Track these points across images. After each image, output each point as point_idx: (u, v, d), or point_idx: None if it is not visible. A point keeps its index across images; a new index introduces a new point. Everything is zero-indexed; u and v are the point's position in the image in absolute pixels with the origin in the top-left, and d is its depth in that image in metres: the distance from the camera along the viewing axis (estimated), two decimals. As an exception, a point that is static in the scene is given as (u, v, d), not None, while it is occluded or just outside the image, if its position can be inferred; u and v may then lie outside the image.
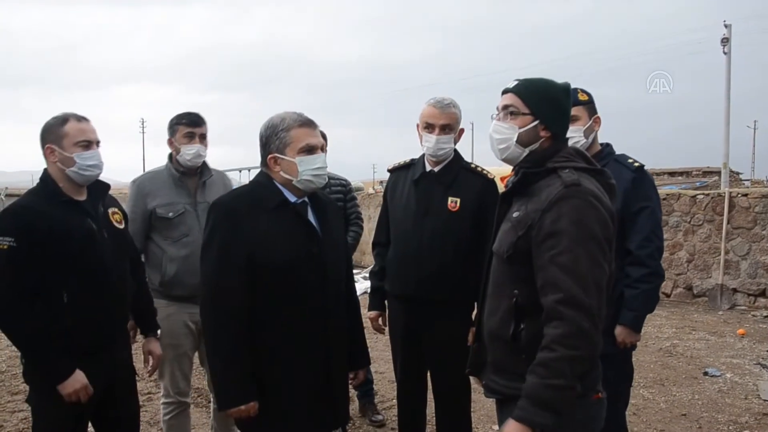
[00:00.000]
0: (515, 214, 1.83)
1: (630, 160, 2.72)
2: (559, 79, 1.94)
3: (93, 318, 2.31)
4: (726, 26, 20.77)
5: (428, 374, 3.04)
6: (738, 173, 25.75)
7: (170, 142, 3.11)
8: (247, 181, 2.81)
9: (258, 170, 2.31)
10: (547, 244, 1.71)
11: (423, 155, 2.96)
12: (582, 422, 1.77)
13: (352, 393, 4.07)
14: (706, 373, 5.38)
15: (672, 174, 23.13)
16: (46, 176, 2.36)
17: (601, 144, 2.81)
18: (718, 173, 20.31)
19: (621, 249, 2.54)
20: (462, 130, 2.94)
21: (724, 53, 20.70)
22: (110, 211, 2.50)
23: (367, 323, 2.64)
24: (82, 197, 2.39)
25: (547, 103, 1.87)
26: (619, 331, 2.61)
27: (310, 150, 2.14)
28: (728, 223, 8.58)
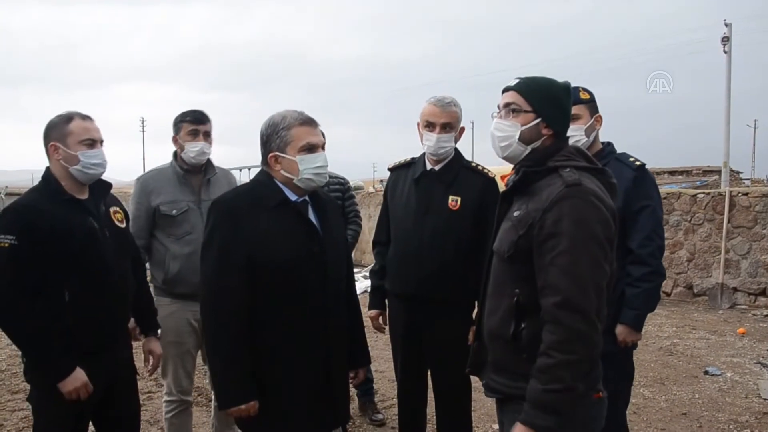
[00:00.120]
0: (516, 213, 1.83)
1: (631, 159, 2.72)
2: (560, 79, 1.95)
3: (95, 317, 2.30)
4: (726, 25, 20.78)
5: (428, 373, 3.04)
6: (738, 172, 25.75)
7: (175, 140, 3.11)
8: (247, 180, 2.82)
9: (258, 169, 2.31)
10: (548, 245, 1.71)
11: (423, 154, 2.96)
12: (582, 421, 1.77)
13: (352, 392, 4.07)
14: (706, 372, 5.38)
15: (672, 173, 23.11)
16: (48, 174, 2.36)
17: (603, 143, 2.81)
18: (719, 172, 20.31)
19: (622, 248, 2.54)
20: (463, 129, 2.93)
21: (725, 52, 20.71)
22: (112, 210, 2.50)
23: (367, 322, 2.64)
24: (84, 196, 2.39)
25: (548, 101, 1.87)
26: (620, 330, 2.60)
27: (310, 149, 2.13)
28: (729, 222, 8.58)
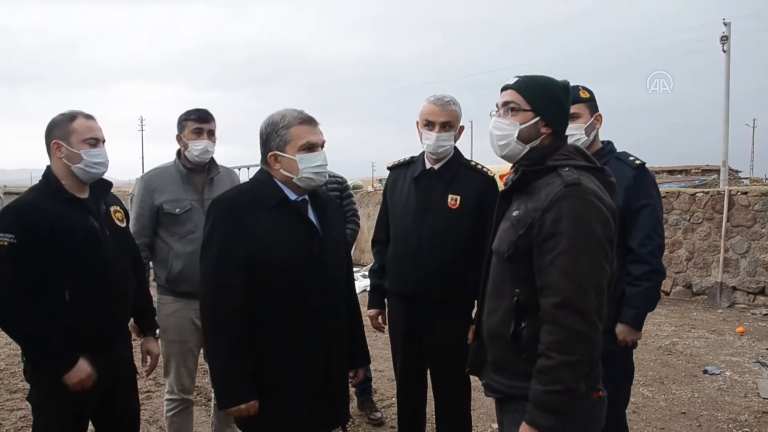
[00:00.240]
0: (515, 213, 1.82)
1: (631, 158, 2.72)
2: (560, 78, 1.94)
3: (95, 317, 2.30)
4: (725, 24, 20.79)
5: (428, 373, 3.04)
6: (737, 171, 25.78)
7: (179, 138, 3.12)
8: (246, 179, 2.82)
9: (257, 168, 2.30)
10: (548, 245, 1.71)
11: (423, 153, 2.95)
12: (583, 421, 1.77)
13: (351, 391, 4.06)
14: (705, 372, 5.38)
15: (671, 172, 23.13)
16: (48, 173, 2.36)
17: (602, 141, 2.80)
18: (717, 171, 20.34)
19: (622, 246, 2.54)
20: (462, 128, 2.93)
21: (724, 51, 20.72)
22: (112, 209, 2.49)
23: (366, 321, 2.63)
24: (85, 195, 2.38)
25: (547, 100, 1.87)
26: (620, 329, 2.60)
27: (310, 147, 2.13)
28: (728, 221, 8.58)
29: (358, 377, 2.44)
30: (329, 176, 3.93)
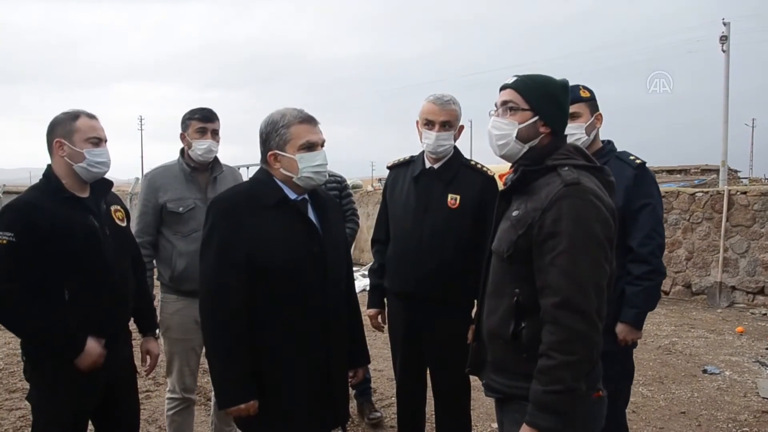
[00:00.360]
0: (515, 213, 1.82)
1: (632, 157, 2.72)
2: (559, 77, 1.94)
3: (94, 316, 2.30)
4: (725, 24, 20.80)
5: (428, 372, 3.03)
6: (736, 171, 25.79)
7: (183, 137, 3.14)
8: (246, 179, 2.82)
9: (257, 167, 2.30)
10: (548, 245, 1.71)
11: (422, 152, 2.95)
12: (583, 421, 1.76)
13: (351, 392, 4.05)
14: (705, 371, 5.38)
15: (670, 172, 23.14)
16: (48, 172, 2.36)
17: (603, 141, 2.80)
18: (717, 171, 20.35)
19: (622, 246, 2.54)
20: (462, 127, 2.93)
21: (723, 51, 20.73)
22: (113, 208, 2.49)
23: (365, 321, 2.63)
24: (85, 194, 2.38)
25: (546, 99, 1.86)
26: (621, 328, 2.60)
27: (310, 147, 2.12)
28: (727, 220, 8.58)
29: (357, 377, 2.44)
30: (328, 175, 3.93)
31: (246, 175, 3.72)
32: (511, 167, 1.96)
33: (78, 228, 2.28)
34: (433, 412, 3.04)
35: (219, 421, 3.26)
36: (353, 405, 4.19)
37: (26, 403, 2.40)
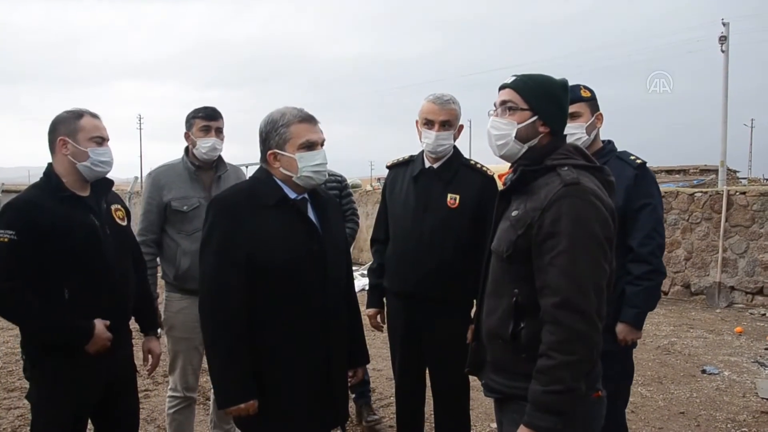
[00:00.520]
0: (514, 213, 1.82)
1: (632, 157, 2.72)
2: (559, 77, 1.93)
3: (94, 315, 2.29)
4: (724, 24, 20.81)
5: (427, 372, 3.03)
6: (735, 171, 25.82)
7: (187, 136, 3.15)
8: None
9: (256, 167, 2.30)
10: (547, 245, 1.70)
11: (422, 152, 2.95)
12: (582, 421, 1.76)
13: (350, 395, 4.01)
14: (704, 371, 5.39)
15: (669, 172, 23.17)
16: (49, 171, 2.35)
17: (603, 141, 2.80)
18: (716, 171, 20.36)
19: (622, 246, 2.54)
20: (461, 127, 2.93)
21: (722, 51, 20.73)
22: (113, 207, 2.49)
23: (365, 320, 2.63)
24: (86, 193, 2.38)
25: (545, 99, 1.86)
26: (621, 328, 2.60)
27: (310, 146, 2.12)
28: (726, 221, 8.58)
29: (357, 377, 2.43)
30: (329, 175, 3.93)
31: (247, 174, 3.72)
32: (510, 167, 1.96)
33: (78, 227, 2.28)
34: (433, 412, 3.03)
35: (218, 419, 3.26)
36: (351, 407, 4.17)
37: (24, 402, 2.40)
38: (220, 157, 3.18)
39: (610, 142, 2.81)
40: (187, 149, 3.17)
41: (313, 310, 2.12)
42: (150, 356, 2.68)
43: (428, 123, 2.82)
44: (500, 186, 2.02)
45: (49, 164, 2.37)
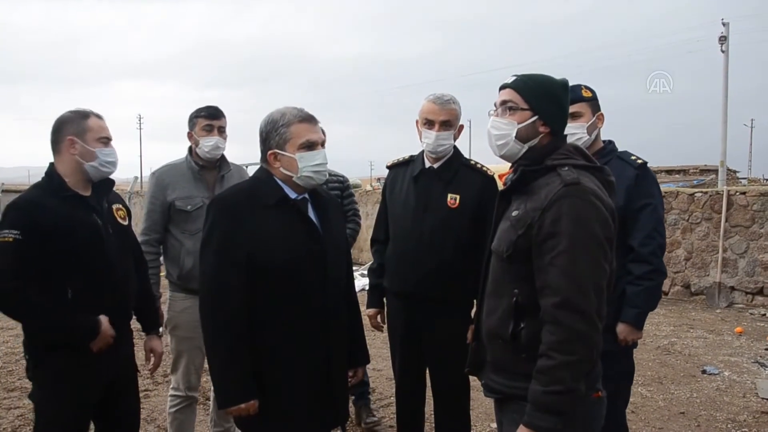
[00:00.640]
0: (514, 213, 1.82)
1: (633, 157, 2.72)
2: (559, 77, 1.93)
3: (97, 314, 2.30)
4: (724, 24, 20.81)
5: (427, 372, 3.03)
6: (735, 171, 25.83)
7: (190, 135, 3.16)
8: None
9: (256, 167, 2.30)
10: (547, 245, 1.70)
11: (422, 152, 2.95)
12: (582, 421, 1.76)
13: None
14: (704, 371, 5.39)
15: (669, 172, 23.18)
16: (51, 170, 2.36)
17: (604, 141, 2.80)
18: (715, 171, 20.37)
19: (623, 246, 2.54)
20: (461, 127, 2.93)
21: (722, 51, 20.74)
22: (114, 207, 2.50)
23: (365, 321, 2.63)
24: (87, 192, 2.39)
25: (545, 99, 1.86)
26: (621, 328, 2.60)
27: (310, 146, 2.12)
28: (726, 221, 8.58)
29: (357, 377, 2.43)
30: (330, 175, 3.92)
31: (249, 173, 3.72)
32: (510, 167, 1.96)
33: (80, 226, 2.28)
34: (433, 412, 3.03)
35: (219, 417, 3.26)
36: (351, 408, 4.16)
37: (25, 401, 2.41)
38: (223, 157, 3.19)
39: (610, 142, 2.81)
40: (190, 149, 3.18)
41: (313, 310, 2.12)
42: (152, 355, 2.69)
43: (428, 123, 2.82)
44: (500, 186, 2.02)
45: (51, 164, 2.37)
